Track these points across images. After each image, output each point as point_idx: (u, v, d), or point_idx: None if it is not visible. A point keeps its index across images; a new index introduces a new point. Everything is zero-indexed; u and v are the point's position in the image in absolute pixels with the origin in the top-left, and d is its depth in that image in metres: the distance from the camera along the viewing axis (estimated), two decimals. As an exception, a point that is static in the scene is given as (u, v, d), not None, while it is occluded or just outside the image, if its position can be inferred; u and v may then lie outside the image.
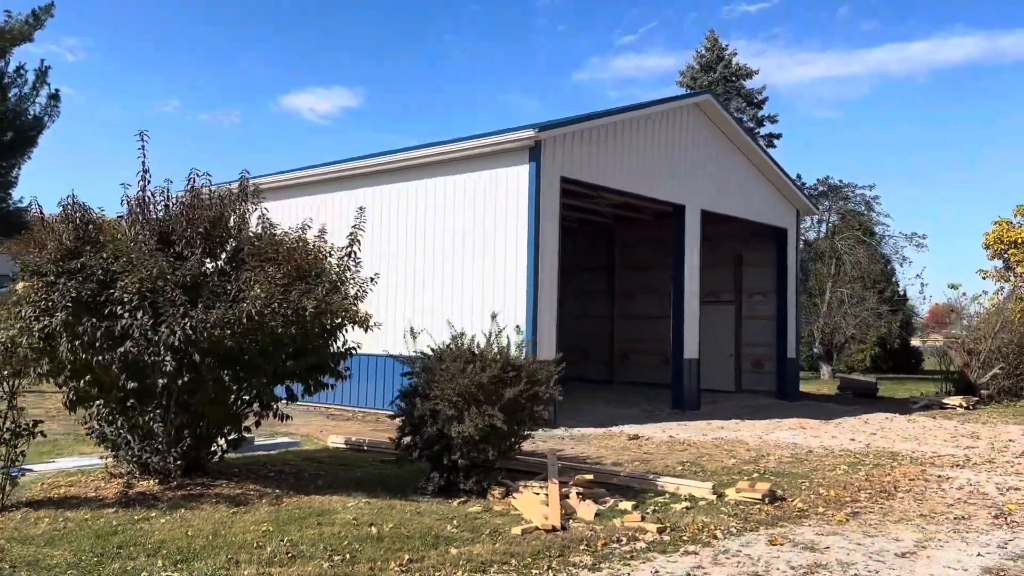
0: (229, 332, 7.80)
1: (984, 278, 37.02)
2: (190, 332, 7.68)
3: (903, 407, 20.93)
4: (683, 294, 18.30)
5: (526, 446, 12.27)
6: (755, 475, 10.68)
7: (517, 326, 9.63)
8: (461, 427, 8.36)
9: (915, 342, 46.20)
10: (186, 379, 7.98)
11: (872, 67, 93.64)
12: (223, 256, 8.71)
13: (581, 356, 26.58)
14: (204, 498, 8.17)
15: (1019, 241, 37.15)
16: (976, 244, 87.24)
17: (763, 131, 34.53)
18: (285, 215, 20.22)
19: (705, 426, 15.60)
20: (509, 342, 9.40)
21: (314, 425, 14.91)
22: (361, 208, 10.05)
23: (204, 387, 8.21)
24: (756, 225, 21.77)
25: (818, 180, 34.98)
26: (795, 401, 21.35)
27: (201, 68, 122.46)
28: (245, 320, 7.80)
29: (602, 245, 26.53)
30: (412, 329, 9.25)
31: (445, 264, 16.09)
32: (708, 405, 19.53)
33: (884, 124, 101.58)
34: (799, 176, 34.71)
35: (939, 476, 10.75)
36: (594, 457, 11.97)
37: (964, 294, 25.53)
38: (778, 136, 34.86)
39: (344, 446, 11.85)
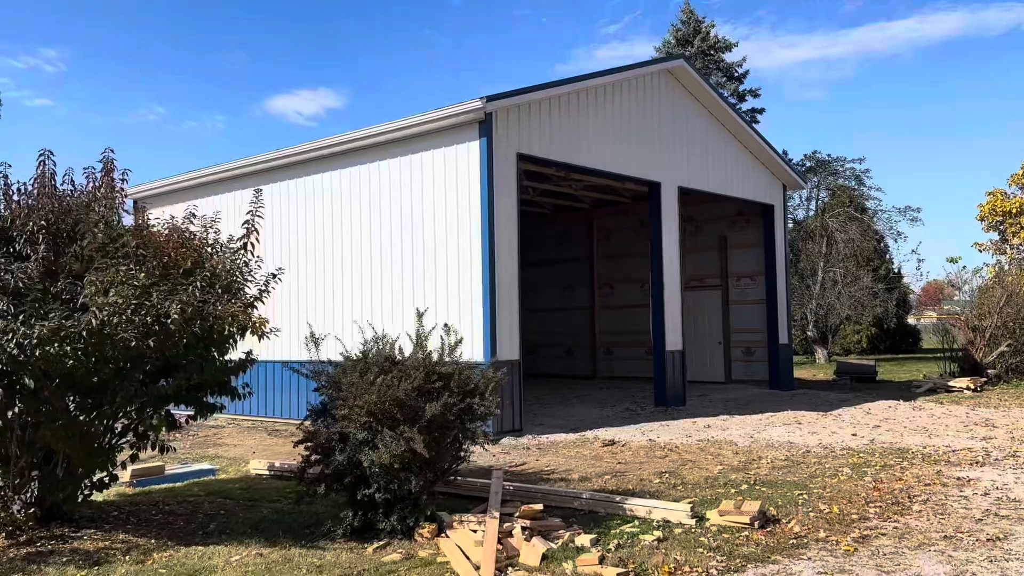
0: (68, 349, 6.15)
1: (981, 251, 35.67)
2: (14, 351, 6.03)
3: (906, 392, 19.40)
4: (662, 280, 16.69)
5: (482, 460, 10.69)
6: (744, 486, 9.10)
7: (446, 324, 7.93)
8: (374, 454, 6.74)
9: (912, 320, 44.77)
10: (18, 410, 6.33)
11: (857, 47, 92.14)
12: (72, 255, 7.03)
13: (565, 352, 25.04)
14: (54, 556, 6.54)
15: (1014, 211, 35.76)
16: (970, 217, 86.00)
17: (745, 106, 32.91)
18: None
19: (690, 425, 14.01)
20: (446, 345, 7.80)
21: (248, 445, 13.28)
22: (258, 190, 8.41)
23: (49, 418, 6.56)
24: (740, 203, 20.19)
25: (805, 156, 33.47)
26: (789, 391, 19.78)
27: (184, 75, 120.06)
28: (85, 334, 6.16)
29: (581, 232, 24.92)
30: (312, 335, 7.59)
31: (390, 259, 14.46)
32: (696, 400, 17.95)
33: (872, 103, 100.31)
34: (785, 152, 33.23)
35: (958, 479, 9.18)
36: (561, 470, 10.38)
37: (964, 267, 23.97)
38: (761, 111, 33.31)
39: (267, 473, 10.21)
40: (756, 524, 7.19)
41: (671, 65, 16.82)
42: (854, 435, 12.62)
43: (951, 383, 19.27)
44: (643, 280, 23.25)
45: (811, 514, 7.68)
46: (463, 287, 13.24)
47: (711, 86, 17.81)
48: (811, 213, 34.55)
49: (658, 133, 16.76)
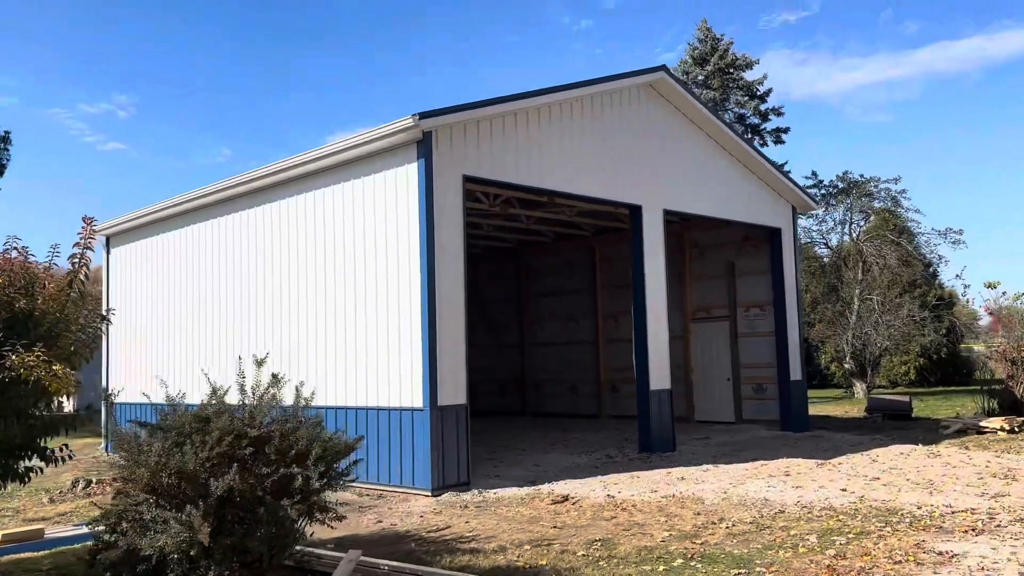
0: None
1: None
2: None
3: (932, 434, 17.46)
4: (644, 312, 15.20)
5: (406, 523, 9.37)
6: (677, 561, 7.61)
7: (274, 374, 6.65)
8: (157, 539, 5.48)
9: (978, 347, 41.80)
10: None
11: (922, 68, 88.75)
12: None
13: (569, 389, 23.57)
14: None
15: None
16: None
17: (769, 125, 31.24)
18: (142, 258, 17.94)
19: (663, 477, 12.44)
20: (300, 398, 6.55)
21: None
22: (89, 219, 7.28)
23: None
24: (746, 227, 18.60)
25: (837, 176, 31.51)
26: (803, 432, 17.97)
27: (247, 118, 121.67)
28: None
29: (583, 262, 23.52)
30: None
31: (330, 299, 13.34)
32: (693, 444, 16.32)
33: (937, 124, 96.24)
34: (814, 174, 31.33)
35: (940, 553, 7.51)
36: (483, 537, 9.01)
37: (1004, 293, 21.85)
38: (785, 130, 31.48)
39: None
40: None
41: (652, 78, 15.44)
42: (843, 490, 10.91)
43: (983, 423, 17.25)
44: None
45: (728, 608, 6.15)
46: (403, 326, 11.99)
47: (701, 101, 16.37)
48: (846, 237, 32.51)
49: (640, 152, 15.37)
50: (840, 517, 9.29)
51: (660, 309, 15.44)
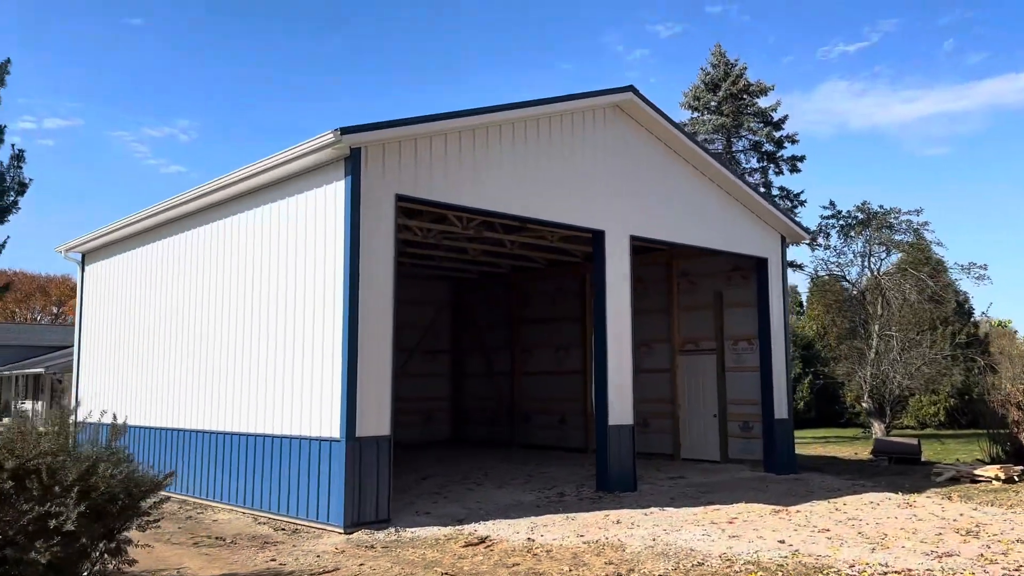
0: None
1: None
2: None
3: (922, 481, 16.29)
4: (605, 343, 14.43)
5: (300, 561, 8.76)
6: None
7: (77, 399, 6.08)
8: None
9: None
10: None
11: (985, 100, 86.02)
12: None
13: (558, 421, 22.79)
14: None
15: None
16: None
17: (785, 153, 30.20)
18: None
19: (600, 520, 11.60)
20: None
21: None
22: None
23: None
24: (729, 256, 17.74)
25: (856, 207, 30.28)
26: (786, 474, 16.92)
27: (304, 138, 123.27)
28: None
29: (573, 289, 22.79)
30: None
31: (248, 321, 12.94)
32: (662, 484, 15.42)
33: (1000, 156, 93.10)
34: (832, 203, 30.07)
35: (835, 625, 6.63)
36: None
37: (1016, 332, 20.51)
38: (801, 158, 30.36)
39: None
40: None
41: (619, 99, 14.77)
42: (781, 542, 9.98)
43: (978, 471, 16.01)
44: (638, 341, 20.91)
45: None
46: (324, 352, 11.42)
47: (676, 125, 15.62)
48: (866, 271, 31.18)
49: (605, 175, 14.68)
50: (759, 573, 8.42)
51: (624, 340, 14.66)
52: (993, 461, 18.59)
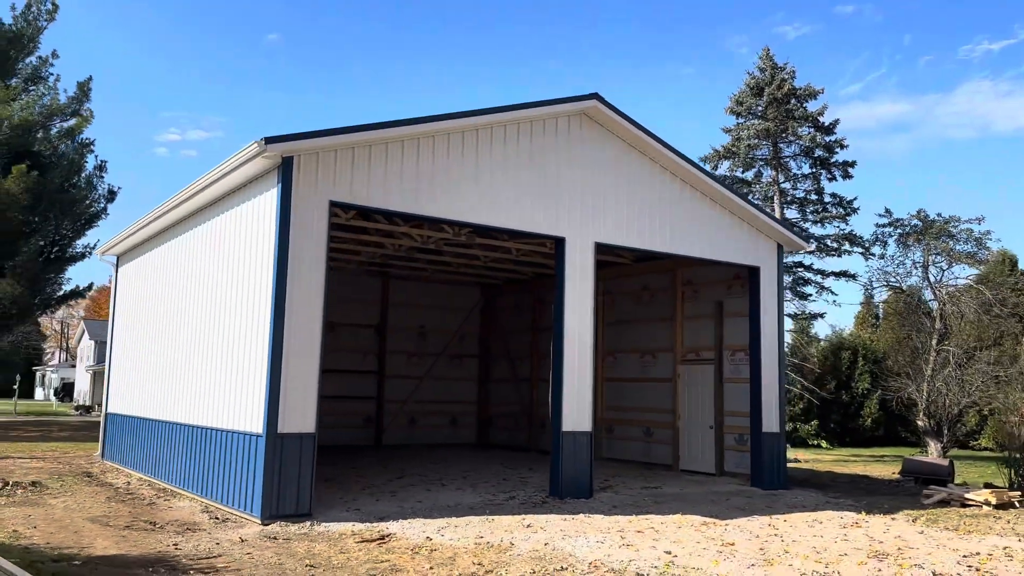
0: None
1: None
2: None
3: (910, 502, 15.56)
4: (562, 351, 14.44)
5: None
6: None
7: None
8: None
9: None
10: None
11: None
12: None
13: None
14: None
15: None
16: None
17: (836, 159, 29.05)
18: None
19: (514, 523, 11.68)
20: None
21: (56, 513, 12.62)
22: None
23: None
24: (726, 265, 17.42)
25: (910, 214, 28.89)
26: (774, 489, 16.46)
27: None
28: None
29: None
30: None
31: (199, 323, 13.77)
32: (630, 492, 15.30)
33: None
34: (921, 212, 28.49)
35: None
36: (232, 567, 8.83)
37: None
38: (852, 164, 29.18)
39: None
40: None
41: (584, 106, 14.78)
42: (668, 552, 9.87)
43: (969, 495, 15.12)
44: (643, 350, 20.80)
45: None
46: (255, 351, 12.02)
47: (648, 132, 15.44)
48: (925, 282, 29.62)
49: (568, 183, 14.72)
50: (606, 581, 8.41)
51: (585, 347, 14.64)
52: (1011, 486, 17.51)
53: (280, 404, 11.50)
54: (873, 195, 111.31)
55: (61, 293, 34.78)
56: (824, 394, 34.59)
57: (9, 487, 14.12)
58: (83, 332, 76.42)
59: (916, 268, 29.95)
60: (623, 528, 11.45)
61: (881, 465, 25.90)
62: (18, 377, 50.84)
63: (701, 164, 16.05)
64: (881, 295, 34.75)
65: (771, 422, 17.03)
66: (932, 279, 29.36)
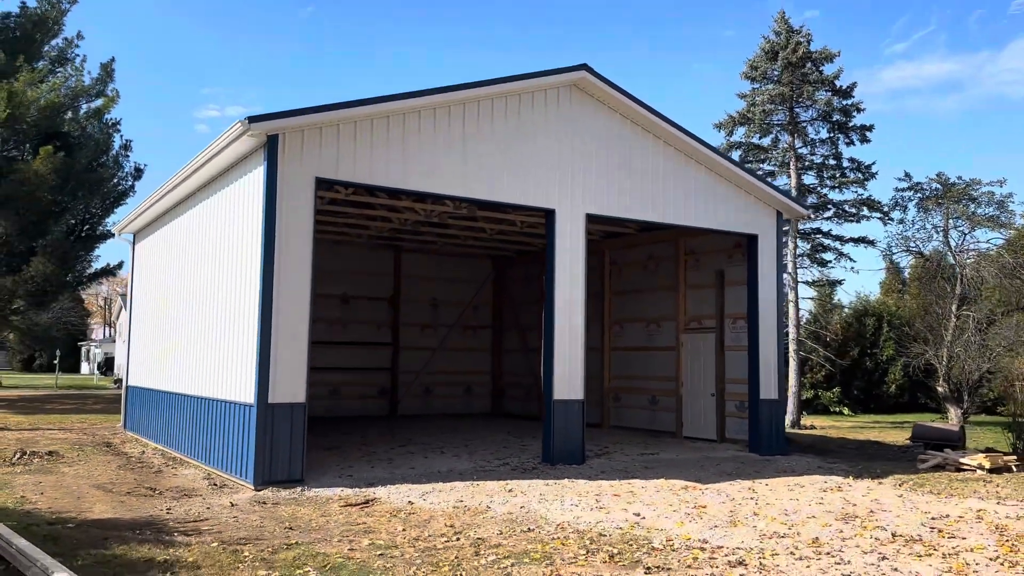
0: None
1: None
2: None
3: (906, 466, 15.63)
4: (553, 321, 14.69)
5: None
6: (303, 570, 7.53)
7: None
8: None
9: None
10: None
11: None
12: None
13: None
14: None
15: None
16: None
17: (854, 122, 28.60)
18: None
19: (497, 488, 12.03)
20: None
21: (66, 480, 13.27)
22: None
23: None
24: (723, 234, 17.47)
25: (929, 178, 28.46)
26: (772, 454, 16.61)
27: None
28: None
29: (594, 267, 22.83)
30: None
31: (200, 298, 14.26)
32: (624, 459, 15.57)
33: None
34: (941, 175, 28.08)
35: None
36: (214, 529, 9.31)
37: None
38: (870, 128, 28.72)
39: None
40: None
41: (574, 77, 14.88)
42: (637, 514, 10.18)
43: (964, 460, 15.13)
44: (649, 319, 20.95)
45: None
46: (247, 326, 12.45)
47: (639, 102, 15.48)
48: (945, 246, 29.21)
49: (559, 154, 14.86)
50: (567, 540, 8.71)
51: (575, 318, 14.87)
52: (1014, 450, 17.45)
53: (270, 375, 11.93)
54: (917, 157, 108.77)
55: (92, 271, 35.75)
56: (840, 361, 34.33)
57: (27, 456, 14.82)
58: (120, 307, 78.41)
59: (937, 233, 29.60)
60: (602, 492, 11.74)
61: (898, 431, 25.78)
62: (58, 352, 52.36)
63: (695, 134, 16.00)
64: (901, 260, 34.31)
65: (769, 389, 17.13)
66: (953, 244, 28.98)
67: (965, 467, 14.97)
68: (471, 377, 26.72)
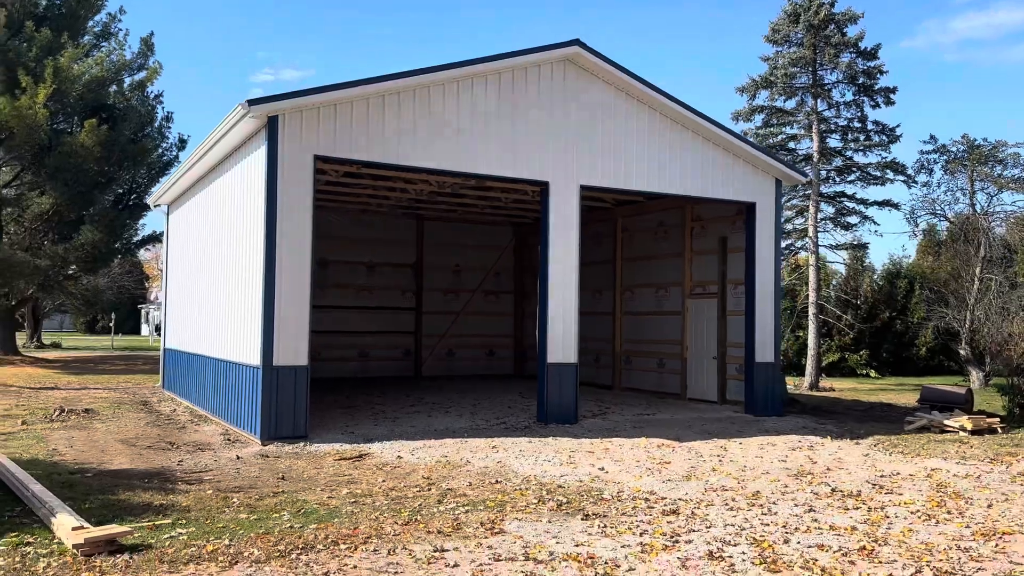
0: None
1: None
2: None
3: (891, 427, 16.12)
4: (547, 289, 15.42)
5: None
6: (283, 514, 8.52)
7: None
8: None
9: None
10: None
11: None
12: None
13: (594, 360, 23.81)
14: None
15: None
16: None
17: (878, 85, 28.39)
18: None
19: (483, 445, 12.92)
20: None
21: (97, 435, 14.57)
22: None
23: None
24: (726, 203, 17.95)
25: (953, 140, 28.27)
26: (767, 415, 17.23)
27: None
28: None
29: (608, 233, 23.50)
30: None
31: (217, 269, 15.33)
32: (616, 418, 16.35)
33: None
34: (966, 137, 27.85)
35: (485, 525, 7.80)
36: (213, 479, 10.38)
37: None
38: (893, 90, 28.46)
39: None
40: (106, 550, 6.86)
41: (567, 52, 15.40)
42: (602, 469, 11.01)
43: (949, 421, 15.55)
44: (658, 284, 21.56)
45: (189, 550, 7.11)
46: (253, 294, 13.46)
47: (632, 75, 15.95)
48: (970, 209, 29.04)
49: (553, 128, 15.45)
50: (526, 491, 9.57)
51: (569, 285, 15.57)
52: (1009, 413, 17.77)
53: (274, 340, 12.94)
54: (983, 110, 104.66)
55: (139, 238, 37.47)
56: (870, 324, 34.36)
57: (65, 413, 16.18)
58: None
59: (963, 195, 29.42)
60: (577, 449, 12.57)
61: (915, 395, 26.01)
62: (113, 315, 54.78)
63: (689, 104, 16.43)
64: (923, 224, 33.99)
65: (765, 352, 17.66)
66: (979, 207, 28.80)
67: (948, 428, 15.41)
68: (494, 340, 27.66)
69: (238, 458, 11.97)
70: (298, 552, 7.03)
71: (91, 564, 6.63)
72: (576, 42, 15.36)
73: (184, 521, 8.08)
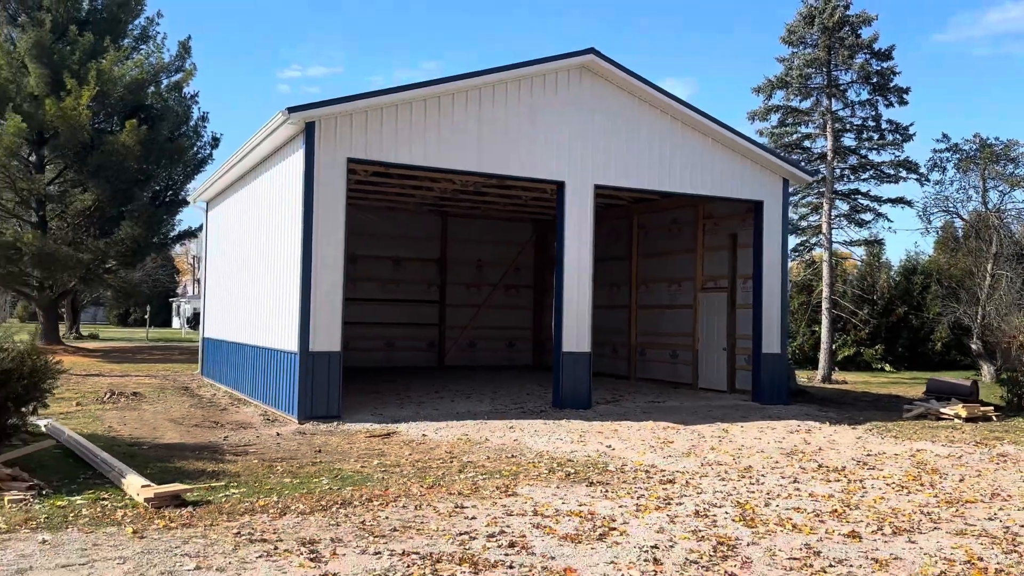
0: None
1: None
2: None
3: (888, 414, 16.96)
4: (562, 284, 16.42)
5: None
6: (322, 479, 9.62)
7: None
8: None
9: None
10: None
11: None
12: None
13: (611, 351, 24.79)
14: None
15: None
16: None
17: (892, 84, 29.04)
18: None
19: (500, 427, 13.97)
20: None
21: (148, 416, 15.80)
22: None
23: None
24: (735, 201, 18.86)
25: (965, 139, 28.82)
26: (773, 403, 18.12)
27: None
28: None
29: (623, 229, 24.45)
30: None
31: (258, 262, 16.49)
32: (628, 405, 17.33)
33: None
34: (977, 136, 28.37)
35: (501, 489, 8.84)
36: (255, 452, 11.51)
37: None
38: (906, 90, 29.07)
39: None
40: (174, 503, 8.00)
41: (583, 60, 16.38)
42: (609, 447, 12.00)
43: (945, 409, 16.37)
44: (671, 279, 22.48)
45: (244, 504, 8.22)
46: (292, 286, 14.60)
47: (644, 80, 16.89)
48: (983, 207, 29.62)
49: (569, 131, 16.42)
50: (538, 464, 10.60)
51: (584, 280, 16.54)
52: (1008, 404, 18.51)
53: (310, 328, 14.08)
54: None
55: (175, 233, 38.92)
56: (885, 319, 34.98)
57: (115, 396, 17.45)
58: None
59: (976, 193, 30.01)
60: (588, 430, 13.58)
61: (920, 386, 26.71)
62: (148, 307, 56.46)
63: (700, 108, 17.35)
64: (937, 221, 34.49)
65: (771, 344, 18.54)
66: (991, 204, 29.38)
67: (944, 416, 16.22)
68: (514, 332, 28.73)
69: (278, 435, 13.11)
70: (337, 506, 8.12)
71: (161, 513, 7.75)
72: (591, 50, 16.33)
73: (235, 484, 9.20)
